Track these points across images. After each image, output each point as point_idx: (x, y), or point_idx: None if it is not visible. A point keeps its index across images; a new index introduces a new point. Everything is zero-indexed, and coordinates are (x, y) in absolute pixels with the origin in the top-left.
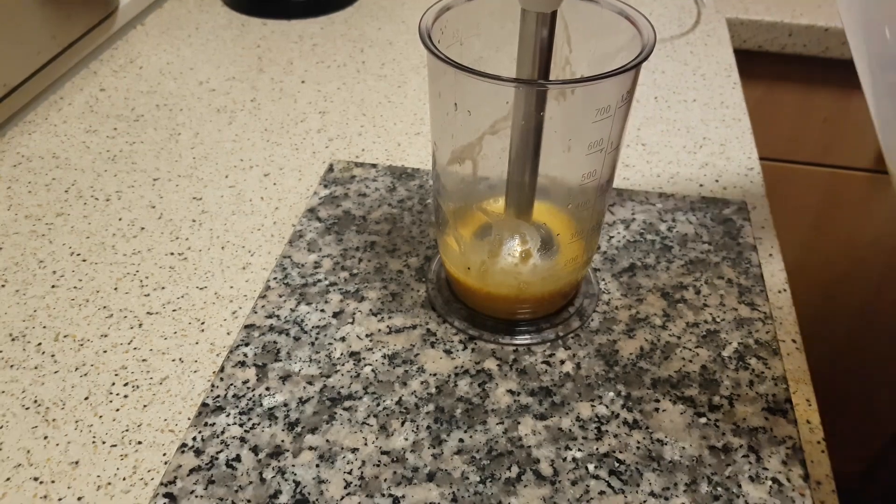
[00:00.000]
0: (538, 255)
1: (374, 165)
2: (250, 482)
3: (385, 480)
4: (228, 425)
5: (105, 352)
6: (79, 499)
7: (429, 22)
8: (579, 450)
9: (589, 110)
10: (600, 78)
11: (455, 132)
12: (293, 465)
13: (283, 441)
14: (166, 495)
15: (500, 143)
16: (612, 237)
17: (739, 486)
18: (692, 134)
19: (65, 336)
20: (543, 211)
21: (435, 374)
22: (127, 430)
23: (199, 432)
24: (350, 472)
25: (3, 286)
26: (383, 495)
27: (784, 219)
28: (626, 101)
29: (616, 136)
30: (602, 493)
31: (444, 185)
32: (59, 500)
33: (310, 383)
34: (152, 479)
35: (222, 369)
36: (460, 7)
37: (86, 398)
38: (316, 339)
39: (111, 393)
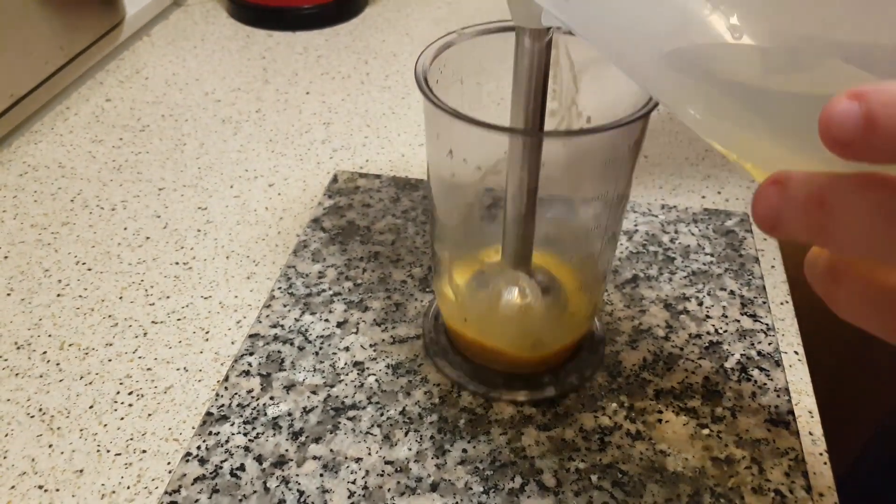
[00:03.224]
0: (541, 307)
1: (378, 176)
2: (254, 491)
3: (389, 490)
4: (233, 434)
5: (110, 360)
6: None
7: (426, 63)
8: (582, 461)
9: (594, 159)
10: (602, 130)
11: (455, 173)
12: (297, 475)
13: (287, 450)
14: None
15: (501, 187)
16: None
17: (742, 497)
18: (694, 146)
19: (70, 345)
20: (547, 262)
21: (438, 385)
22: (131, 439)
23: (204, 441)
24: (354, 482)
25: (8, 295)
26: None
27: None
28: (633, 150)
29: (623, 187)
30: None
31: (442, 230)
32: None
33: (314, 393)
34: (156, 487)
35: (227, 378)
36: (463, 44)
37: (90, 407)
38: (320, 348)
39: (116, 402)
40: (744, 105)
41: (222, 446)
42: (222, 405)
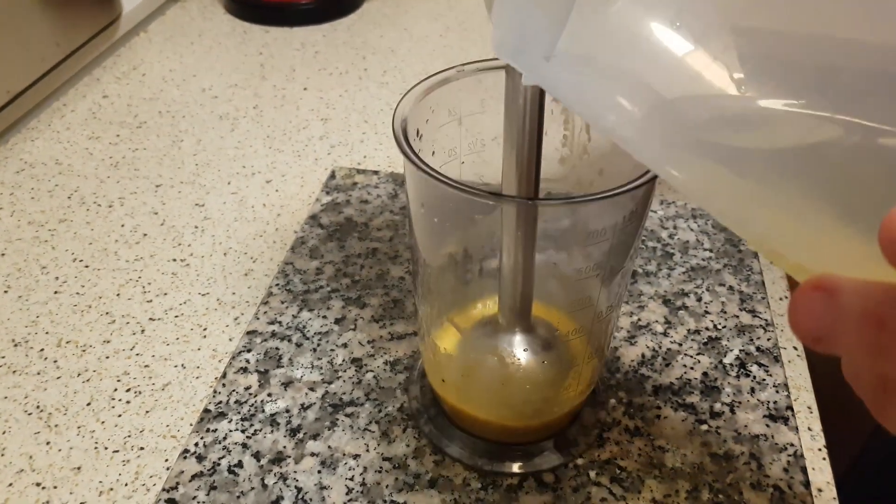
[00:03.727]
0: (526, 373)
1: (375, 172)
2: (252, 488)
3: (387, 487)
4: (230, 431)
5: (107, 358)
6: None
7: (405, 109)
8: (581, 457)
9: (581, 226)
10: (596, 198)
11: (439, 221)
12: (295, 472)
13: (284, 447)
14: (168, 501)
15: (491, 243)
16: None
17: (741, 493)
18: None
19: (67, 342)
20: (551, 316)
21: None
22: (129, 436)
23: (202, 438)
24: (352, 479)
25: (6, 292)
26: (385, 502)
27: None
28: (629, 222)
29: (618, 262)
30: (603, 500)
31: (427, 287)
32: None
33: (312, 389)
34: (154, 484)
35: (224, 375)
36: (461, 81)
37: (88, 404)
38: (318, 345)
39: (113, 399)
40: (739, 171)
41: (220, 443)
42: (220, 402)
